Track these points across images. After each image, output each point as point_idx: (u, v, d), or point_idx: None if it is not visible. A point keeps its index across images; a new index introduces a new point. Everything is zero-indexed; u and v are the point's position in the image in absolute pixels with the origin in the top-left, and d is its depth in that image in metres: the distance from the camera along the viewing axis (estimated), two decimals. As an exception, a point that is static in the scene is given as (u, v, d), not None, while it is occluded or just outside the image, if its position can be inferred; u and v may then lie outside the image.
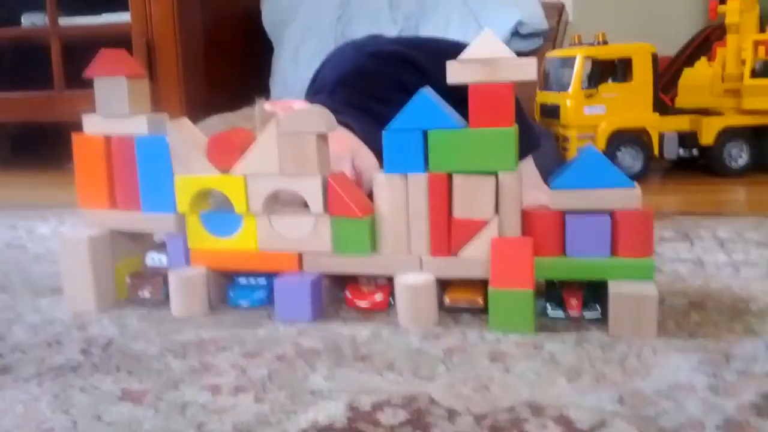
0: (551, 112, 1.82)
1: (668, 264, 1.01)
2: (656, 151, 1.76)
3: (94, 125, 0.90)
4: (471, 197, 0.80)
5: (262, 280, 0.89)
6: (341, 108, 1.16)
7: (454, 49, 1.29)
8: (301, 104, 1.17)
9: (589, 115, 1.74)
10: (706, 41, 2.22)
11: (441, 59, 1.27)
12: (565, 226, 0.78)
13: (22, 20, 2.34)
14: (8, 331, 0.84)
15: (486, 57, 0.77)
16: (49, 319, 0.87)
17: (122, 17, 2.17)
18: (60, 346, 0.78)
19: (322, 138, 0.83)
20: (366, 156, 1.10)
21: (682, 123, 1.81)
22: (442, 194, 0.81)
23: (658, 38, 1.87)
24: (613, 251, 0.78)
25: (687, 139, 1.79)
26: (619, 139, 1.74)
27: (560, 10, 2.35)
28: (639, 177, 1.74)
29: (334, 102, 1.20)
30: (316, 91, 1.29)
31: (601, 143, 1.72)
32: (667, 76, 2.02)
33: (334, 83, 1.26)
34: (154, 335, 0.80)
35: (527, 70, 0.77)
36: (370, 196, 0.84)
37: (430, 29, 2.23)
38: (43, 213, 1.56)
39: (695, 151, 1.80)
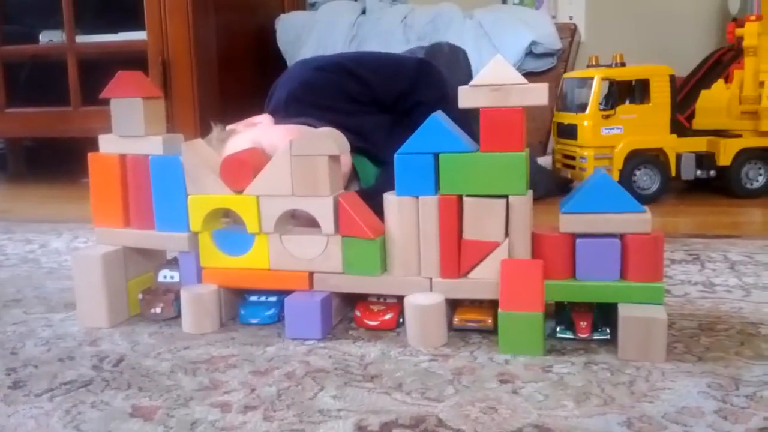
0: (568, 132, 1.82)
1: (678, 286, 1.01)
2: (673, 172, 1.76)
3: (109, 145, 0.91)
4: (481, 219, 0.81)
5: (273, 298, 0.90)
6: (296, 120, 1.22)
7: (394, 60, 1.35)
8: (262, 119, 1.22)
9: (607, 135, 1.74)
10: (717, 63, 2.23)
11: (381, 70, 1.35)
12: (575, 249, 0.79)
13: (40, 37, 2.37)
14: (21, 345, 0.84)
15: (497, 82, 0.78)
16: (62, 334, 0.88)
17: (138, 36, 2.19)
18: (72, 362, 0.79)
19: (334, 160, 0.84)
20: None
21: (700, 144, 1.81)
22: (453, 216, 0.81)
23: (669, 59, 1.87)
24: (623, 275, 0.78)
25: (704, 160, 1.79)
26: (637, 159, 1.74)
27: (573, 30, 2.36)
28: (656, 197, 1.74)
29: (289, 116, 1.24)
30: (273, 111, 1.33)
31: (619, 163, 1.72)
32: (678, 97, 2.02)
33: (286, 99, 1.31)
34: (165, 352, 0.81)
35: (538, 95, 0.77)
36: None
37: (445, 50, 2.24)
38: (57, 227, 1.57)
39: (713, 172, 1.80)
